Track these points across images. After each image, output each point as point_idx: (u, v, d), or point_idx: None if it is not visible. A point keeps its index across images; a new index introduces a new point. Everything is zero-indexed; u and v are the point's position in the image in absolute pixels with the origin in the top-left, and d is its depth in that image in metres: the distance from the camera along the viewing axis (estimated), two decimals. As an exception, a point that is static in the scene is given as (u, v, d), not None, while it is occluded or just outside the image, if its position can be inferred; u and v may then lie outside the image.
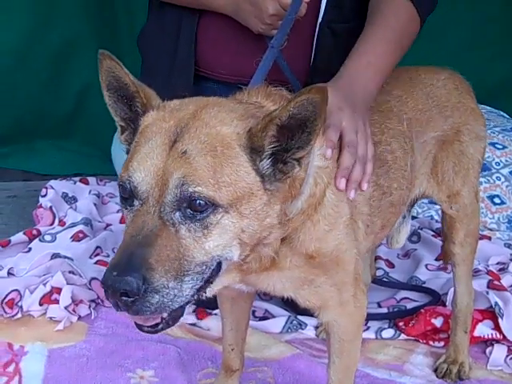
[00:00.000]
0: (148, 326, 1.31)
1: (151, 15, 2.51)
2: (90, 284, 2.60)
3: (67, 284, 2.50)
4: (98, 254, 2.89)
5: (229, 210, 1.28)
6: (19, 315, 2.43)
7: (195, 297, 1.32)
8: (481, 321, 2.42)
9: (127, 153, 1.44)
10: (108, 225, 3.22)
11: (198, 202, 1.26)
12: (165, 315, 1.30)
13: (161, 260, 1.22)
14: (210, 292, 1.39)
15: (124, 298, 1.20)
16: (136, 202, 1.29)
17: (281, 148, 1.34)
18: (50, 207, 3.22)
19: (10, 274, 2.62)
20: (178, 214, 1.26)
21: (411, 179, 1.95)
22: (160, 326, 1.31)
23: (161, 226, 1.25)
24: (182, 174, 1.25)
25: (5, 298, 2.44)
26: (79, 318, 2.47)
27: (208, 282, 1.34)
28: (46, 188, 3.42)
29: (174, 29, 2.33)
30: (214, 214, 1.27)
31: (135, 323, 1.33)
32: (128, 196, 1.31)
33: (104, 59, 1.42)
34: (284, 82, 1.79)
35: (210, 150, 1.28)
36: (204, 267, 1.29)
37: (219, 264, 1.34)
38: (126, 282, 1.18)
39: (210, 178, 1.26)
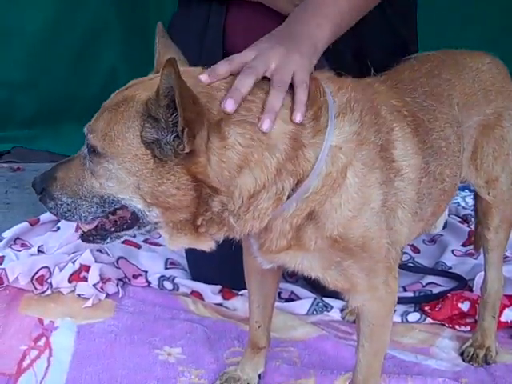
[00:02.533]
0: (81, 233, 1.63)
1: (180, 5, 2.53)
2: (117, 263, 2.63)
3: (95, 262, 2.54)
4: (124, 234, 2.91)
5: (111, 160, 1.43)
6: (49, 292, 2.47)
7: (104, 223, 1.57)
8: (508, 306, 2.40)
9: None
10: (134, 206, 3.24)
11: (92, 146, 1.46)
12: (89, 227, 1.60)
13: (62, 178, 1.52)
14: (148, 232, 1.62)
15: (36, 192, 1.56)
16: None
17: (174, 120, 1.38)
18: (77, 188, 3.25)
19: (39, 251, 2.66)
20: (86, 151, 1.49)
21: (462, 165, 1.93)
22: (84, 236, 1.63)
23: (78, 156, 1.53)
24: (89, 123, 1.49)
25: (35, 274, 2.48)
26: (107, 295, 2.50)
27: (123, 221, 1.54)
28: (73, 169, 3.45)
29: (202, 18, 2.34)
30: (100, 160, 1.45)
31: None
32: None
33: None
34: None
35: (114, 108, 1.45)
36: (102, 201, 1.49)
37: (133, 213, 1.49)
38: (35, 183, 1.56)
39: (101, 130, 1.44)
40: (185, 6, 2.48)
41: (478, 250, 2.33)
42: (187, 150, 1.39)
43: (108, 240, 1.60)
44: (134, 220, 1.51)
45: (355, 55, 2.14)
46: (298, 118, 1.47)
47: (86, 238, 1.62)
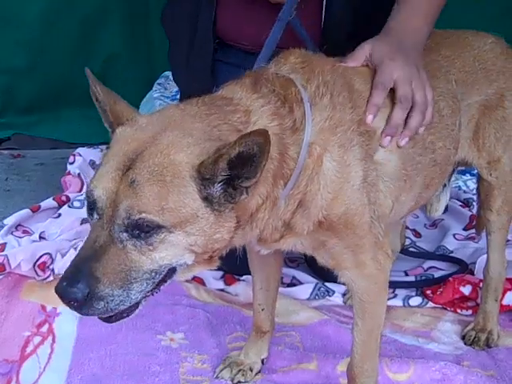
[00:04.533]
0: (103, 318, 1.46)
1: None
2: (119, 249, 2.63)
3: (97, 248, 2.54)
4: (126, 220, 2.91)
5: (172, 230, 1.38)
6: (51, 278, 2.47)
7: (149, 294, 1.49)
8: (510, 289, 2.40)
9: None
10: (135, 192, 3.24)
11: (142, 225, 1.37)
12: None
13: (106, 273, 1.36)
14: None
15: (73, 303, 1.36)
16: (94, 215, 1.41)
17: (232, 175, 1.40)
18: (79, 174, 3.26)
19: (41, 237, 2.66)
20: (125, 234, 1.38)
21: (458, 140, 1.93)
22: (113, 318, 1.46)
23: (109, 243, 1.38)
24: (129, 204, 1.35)
25: (37, 261, 2.48)
26: (109, 282, 2.50)
27: (161, 282, 1.48)
28: (74, 155, 3.45)
29: (193, 5, 2.34)
30: (157, 234, 1.38)
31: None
32: (90, 208, 1.42)
33: (89, 77, 1.54)
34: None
35: (158, 179, 1.36)
36: (153, 274, 1.42)
37: (173, 269, 1.46)
38: (72, 292, 1.34)
39: (155, 206, 1.35)
40: None
41: (480, 233, 2.34)
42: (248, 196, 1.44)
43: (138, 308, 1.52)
44: (171, 274, 1.49)
45: (349, 35, 2.13)
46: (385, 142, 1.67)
47: (118, 318, 1.48)
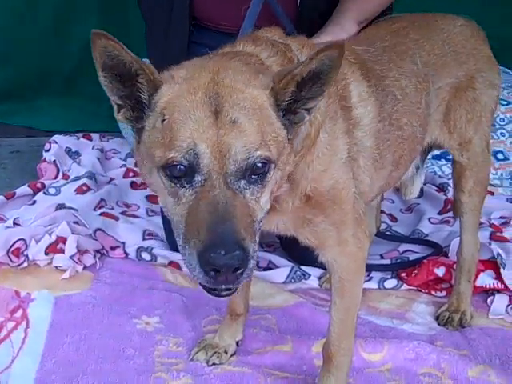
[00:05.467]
0: (226, 289, 1.35)
1: None
2: (94, 234, 2.62)
3: (72, 234, 2.52)
4: (102, 207, 2.91)
5: (276, 164, 1.36)
6: (25, 264, 2.46)
7: None
8: (483, 271, 2.43)
9: (135, 130, 1.44)
10: (111, 179, 3.23)
11: (258, 165, 1.32)
12: None
13: (244, 228, 1.29)
14: None
15: (236, 272, 1.27)
16: (198, 178, 1.31)
17: (292, 100, 1.39)
18: (54, 161, 3.24)
19: (15, 224, 2.63)
20: (242, 182, 1.32)
21: (426, 120, 1.95)
22: (235, 287, 1.36)
23: (233, 197, 1.30)
24: (243, 144, 1.30)
25: (11, 247, 2.45)
26: (84, 267, 2.49)
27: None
28: (50, 143, 3.43)
29: None
30: (269, 172, 1.35)
31: (208, 291, 1.38)
32: (184, 174, 1.32)
33: (98, 39, 1.35)
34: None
35: (252, 114, 1.33)
36: (260, 223, 1.38)
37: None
38: (237, 257, 1.25)
39: (261, 140, 1.32)
40: None
41: (457, 216, 2.36)
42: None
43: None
44: None
45: (322, 17, 2.15)
46: None
47: (238, 287, 1.37)
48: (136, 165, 1.55)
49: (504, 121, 3.45)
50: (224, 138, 1.29)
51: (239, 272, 1.27)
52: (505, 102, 3.50)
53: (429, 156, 3.30)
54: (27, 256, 2.46)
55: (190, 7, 2.31)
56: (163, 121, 1.36)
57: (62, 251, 2.47)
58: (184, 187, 1.33)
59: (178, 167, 1.32)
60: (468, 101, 2.03)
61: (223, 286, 1.33)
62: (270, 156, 1.33)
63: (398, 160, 1.89)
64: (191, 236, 1.30)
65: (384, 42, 1.88)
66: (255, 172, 1.32)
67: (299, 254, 2.49)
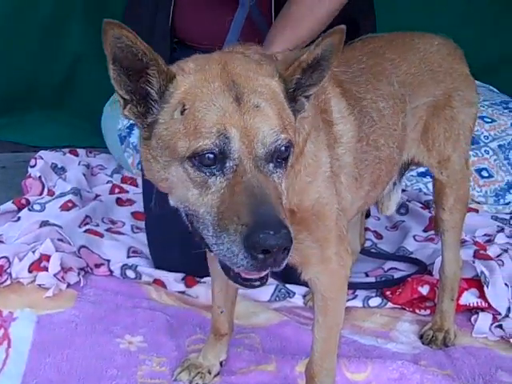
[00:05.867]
0: (258, 279, 1.35)
1: None
2: (79, 252, 2.61)
3: (56, 251, 2.51)
4: (87, 223, 2.90)
5: (294, 149, 1.40)
6: (8, 282, 2.43)
7: None
8: (467, 289, 2.44)
9: (143, 126, 1.42)
10: (97, 195, 3.22)
11: (282, 148, 1.34)
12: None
13: (280, 210, 1.30)
14: None
15: (284, 252, 1.26)
16: (229, 163, 1.31)
17: (295, 87, 1.44)
18: (39, 177, 3.23)
19: (-1, 241, 2.62)
20: (271, 165, 1.34)
21: (403, 141, 1.96)
22: (266, 278, 1.36)
23: (265, 180, 1.31)
24: (269, 127, 1.32)
25: (-6, 265, 2.44)
26: (68, 285, 2.47)
27: None
28: (36, 158, 3.42)
29: (151, 8, 2.35)
30: (290, 156, 1.38)
31: (241, 283, 1.36)
32: (213, 161, 1.31)
33: (111, 28, 1.33)
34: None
35: (270, 99, 1.36)
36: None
37: None
38: (285, 236, 1.24)
39: (282, 124, 1.35)
40: None
41: (439, 233, 2.37)
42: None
43: None
44: None
45: None
46: None
47: (267, 278, 1.37)
48: (140, 165, 1.52)
49: (488, 138, 3.48)
50: (251, 122, 1.31)
51: (286, 252, 1.26)
52: (489, 120, 3.54)
53: (414, 173, 3.37)
54: (10, 274, 2.44)
55: (172, 27, 2.33)
56: (183, 111, 1.35)
57: (46, 269, 2.45)
58: (214, 175, 1.32)
59: (207, 156, 1.31)
60: (446, 119, 2.05)
61: (261, 275, 1.32)
62: (292, 139, 1.36)
63: (375, 180, 1.91)
64: (229, 222, 1.28)
65: (360, 64, 1.90)
66: (280, 155, 1.34)
67: (284, 271, 2.49)
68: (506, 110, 3.62)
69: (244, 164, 1.30)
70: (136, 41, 1.34)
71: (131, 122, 3.62)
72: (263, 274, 1.34)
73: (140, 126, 1.44)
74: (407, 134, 1.99)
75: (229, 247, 1.28)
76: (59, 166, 3.44)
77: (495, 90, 3.98)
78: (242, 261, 1.27)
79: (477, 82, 3.87)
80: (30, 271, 2.45)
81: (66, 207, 2.95)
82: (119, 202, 3.20)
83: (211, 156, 1.31)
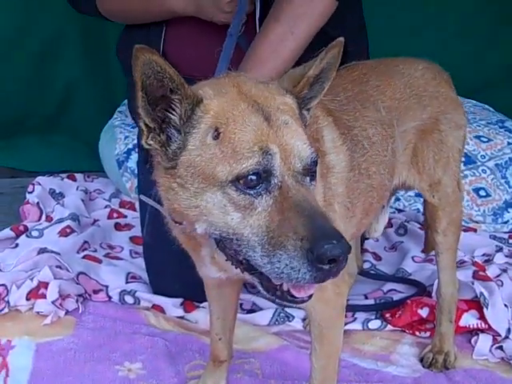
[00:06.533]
0: (308, 296, 1.36)
1: (125, 28, 2.63)
2: (77, 278, 2.60)
3: (54, 278, 2.50)
4: (85, 249, 2.89)
5: None
6: (6, 310, 2.42)
7: None
8: (466, 311, 2.43)
9: (167, 155, 1.39)
10: (95, 220, 3.22)
11: (315, 160, 1.37)
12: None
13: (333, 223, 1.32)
14: None
15: (344, 259, 1.26)
16: (274, 181, 1.31)
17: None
18: (37, 203, 3.23)
19: (-3, 269, 2.61)
20: (308, 178, 1.36)
21: (393, 166, 1.97)
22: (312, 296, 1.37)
23: (308, 193, 1.32)
24: (302, 142, 1.34)
25: (-9, 293, 2.43)
26: (67, 312, 2.46)
27: None
28: (33, 184, 3.43)
29: (143, 40, 2.38)
30: (316, 170, 1.40)
31: (291, 300, 1.36)
32: (258, 181, 1.31)
33: (142, 54, 1.30)
34: None
35: (293, 115, 1.40)
36: None
37: None
38: (347, 245, 1.25)
39: (308, 138, 1.39)
40: (128, 29, 2.57)
41: (428, 253, 2.37)
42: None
43: None
44: None
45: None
46: None
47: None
48: (159, 191, 1.49)
49: (485, 157, 3.49)
50: (285, 139, 1.33)
51: (346, 260, 1.27)
52: (485, 139, 3.55)
53: (411, 193, 3.38)
54: (8, 302, 2.43)
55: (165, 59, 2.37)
56: (217, 135, 1.34)
57: (44, 296, 2.44)
58: (260, 195, 1.31)
59: (250, 177, 1.30)
60: (434, 142, 2.06)
61: (311, 292, 1.34)
62: (317, 154, 1.38)
63: (368, 208, 1.91)
64: (285, 239, 1.27)
65: (347, 92, 1.91)
66: (313, 169, 1.36)
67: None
68: (502, 129, 3.64)
69: (286, 180, 1.31)
70: (165, 66, 1.32)
71: (129, 147, 3.65)
72: (312, 291, 1.35)
73: (163, 155, 1.40)
74: (397, 158, 1.99)
75: (287, 263, 1.26)
76: (57, 191, 3.44)
77: (491, 108, 4.00)
78: (304, 275, 1.26)
79: (472, 101, 4.00)
80: (27, 299, 2.44)
81: (64, 233, 2.95)
82: (117, 226, 3.20)
83: (254, 177, 1.31)
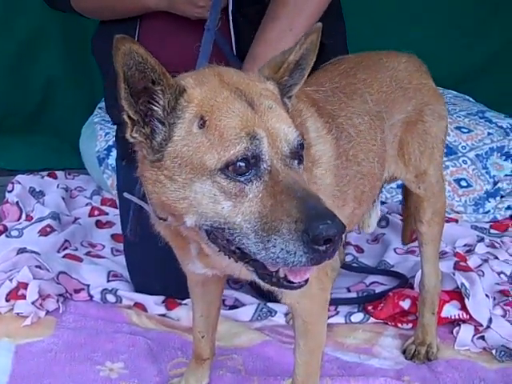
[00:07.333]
0: (304, 281, 1.35)
1: (100, 24, 2.60)
2: (57, 278, 2.57)
3: (34, 279, 2.48)
4: (66, 248, 2.87)
5: None
6: (-15, 312, 2.40)
7: None
8: (448, 302, 2.44)
9: (152, 147, 1.37)
10: (76, 218, 3.20)
11: (301, 143, 1.36)
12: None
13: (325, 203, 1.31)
14: None
15: (337, 238, 1.24)
16: (263, 165, 1.30)
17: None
18: (17, 202, 3.19)
19: (-25, 270, 2.58)
20: (296, 161, 1.35)
21: (383, 157, 1.97)
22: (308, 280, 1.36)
23: (297, 175, 1.32)
24: (287, 125, 1.34)
25: (-30, 294, 2.40)
26: (47, 312, 2.44)
27: None
28: (13, 183, 3.39)
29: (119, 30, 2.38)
30: (303, 154, 1.39)
31: (288, 285, 1.35)
32: (247, 168, 1.30)
33: (122, 44, 1.29)
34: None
35: (276, 100, 1.40)
36: None
37: None
38: (341, 223, 1.24)
39: (293, 122, 1.39)
40: (103, 24, 2.56)
41: (407, 243, 2.36)
42: None
43: None
44: None
45: None
46: None
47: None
48: (145, 186, 1.45)
49: (466, 148, 3.50)
50: (270, 123, 1.32)
51: (340, 240, 1.26)
52: (466, 130, 3.56)
53: (393, 185, 3.38)
54: (-13, 303, 2.41)
55: None
56: (203, 123, 1.32)
57: (24, 297, 2.41)
58: (251, 181, 1.29)
59: (238, 164, 1.29)
60: (419, 133, 2.07)
61: (307, 276, 1.34)
62: (303, 136, 1.39)
63: (359, 196, 1.90)
64: (279, 223, 1.25)
65: (333, 84, 1.91)
66: (300, 152, 1.36)
67: (267, 290, 2.48)
68: (482, 120, 3.65)
69: (275, 164, 1.30)
70: (146, 56, 1.31)
71: (109, 143, 3.61)
72: (308, 275, 1.34)
73: (148, 148, 1.38)
74: (387, 151, 1.99)
75: (283, 247, 1.25)
76: (37, 189, 3.41)
77: (471, 99, 4.01)
78: (300, 257, 1.24)
79: (453, 92, 4.00)
80: (7, 300, 2.42)
81: (44, 232, 2.93)
82: (99, 224, 3.18)
83: (243, 163, 1.29)
